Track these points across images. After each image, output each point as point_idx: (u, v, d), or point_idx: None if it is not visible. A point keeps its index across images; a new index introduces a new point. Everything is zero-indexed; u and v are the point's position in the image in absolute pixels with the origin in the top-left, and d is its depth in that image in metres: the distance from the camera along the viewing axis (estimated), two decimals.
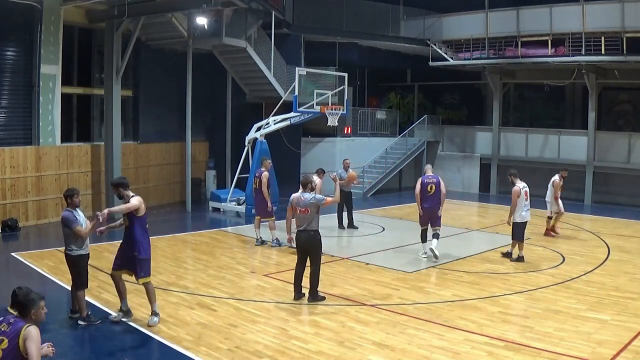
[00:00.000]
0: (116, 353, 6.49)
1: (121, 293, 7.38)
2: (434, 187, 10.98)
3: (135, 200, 7.10)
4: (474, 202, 20.57)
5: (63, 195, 7.51)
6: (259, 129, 15.81)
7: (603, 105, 21.45)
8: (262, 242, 12.17)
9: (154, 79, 17.48)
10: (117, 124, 15.42)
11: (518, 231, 10.88)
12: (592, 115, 19.73)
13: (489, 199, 21.42)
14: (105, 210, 6.81)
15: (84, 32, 15.75)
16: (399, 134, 23.18)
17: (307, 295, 8.38)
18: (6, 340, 4.28)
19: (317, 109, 15.56)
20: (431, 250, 10.97)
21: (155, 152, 17.93)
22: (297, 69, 15.54)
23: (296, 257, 8.56)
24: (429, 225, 11.14)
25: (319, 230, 8.37)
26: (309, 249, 8.33)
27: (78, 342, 6.86)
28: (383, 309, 8.03)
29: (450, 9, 22.01)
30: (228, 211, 16.54)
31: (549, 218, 13.55)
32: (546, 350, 6.49)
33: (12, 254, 11.06)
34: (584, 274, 10.03)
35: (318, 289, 8.38)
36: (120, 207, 7.14)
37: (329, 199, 8.51)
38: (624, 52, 17.53)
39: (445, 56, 21.49)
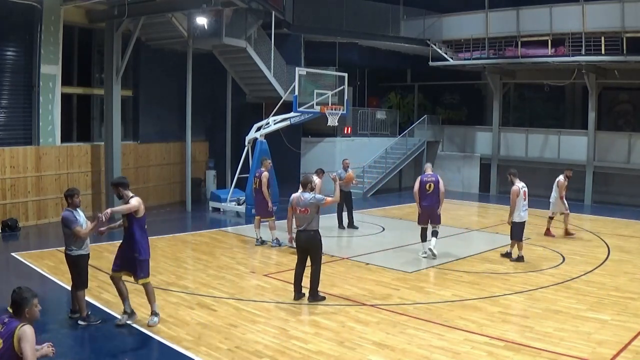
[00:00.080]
0: (116, 353, 6.48)
1: (123, 295, 7.34)
2: (432, 185, 11.01)
3: (135, 201, 7.09)
4: (474, 202, 20.57)
5: (63, 195, 7.51)
6: (259, 129, 15.81)
7: (603, 105, 21.45)
8: (262, 242, 12.17)
9: (154, 79, 17.48)
10: (117, 124, 15.42)
11: (517, 231, 10.89)
12: (592, 115, 19.73)
13: (489, 199, 21.42)
14: (108, 210, 6.81)
15: (84, 32, 15.75)
16: (399, 134, 23.19)
17: (307, 295, 8.38)
18: (1, 341, 4.28)
19: (317, 109, 15.56)
20: (430, 249, 11.05)
21: (155, 152, 17.93)
22: (297, 69, 15.55)
23: (296, 257, 8.56)
24: (429, 223, 11.15)
25: (319, 230, 8.37)
26: (309, 248, 8.33)
27: (78, 342, 6.86)
28: (383, 309, 8.03)
29: (450, 9, 22.00)
30: (228, 211, 16.54)
31: (550, 218, 13.54)
32: (546, 350, 6.49)
33: (12, 254, 11.06)
34: (584, 274, 10.03)
35: (318, 289, 8.38)
36: (121, 208, 7.13)
37: (329, 198, 8.51)
38: (624, 52, 17.53)
39: (445, 56, 21.49)
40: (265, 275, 9.86)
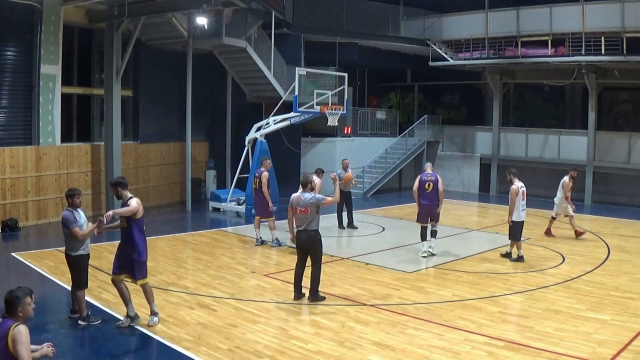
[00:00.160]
0: (116, 353, 6.48)
1: (125, 298, 7.29)
2: (431, 184, 11.05)
3: (135, 203, 7.05)
4: (474, 202, 20.58)
5: (64, 194, 7.50)
6: (259, 129, 15.81)
7: (603, 105, 21.46)
8: (262, 242, 12.17)
9: (154, 79, 17.48)
10: (117, 124, 15.42)
11: (515, 231, 10.90)
12: (592, 115, 19.73)
13: (489, 199, 21.42)
14: (110, 212, 6.80)
15: (84, 32, 15.75)
16: (399, 134, 23.18)
17: (307, 295, 8.38)
18: None
19: (317, 109, 15.56)
20: (429, 249, 11.17)
21: (155, 152, 17.93)
22: (297, 69, 15.54)
23: (296, 257, 8.56)
24: (429, 221, 11.21)
25: (319, 230, 8.37)
26: (308, 248, 8.34)
27: (78, 342, 6.86)
28: (383, 309, 8.03)
29: (450, 9, 22.00)
30: (228, 211, 16.54)
31: (553, 218, 13.49)
32: (546, 350, 6.49)
33: (12, 254, 11.06)
34: (584, 274, 10.03)
35: (318, 289, 8.37)
36: (122, 210, 7.06)
37: (329, 198, 8.51)
38: (624, 52, 17.53)
39: (445, 56, 21.49)
40: (265, 275, 9.86)
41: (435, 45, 21.58)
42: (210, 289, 8.94)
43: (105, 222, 6.79)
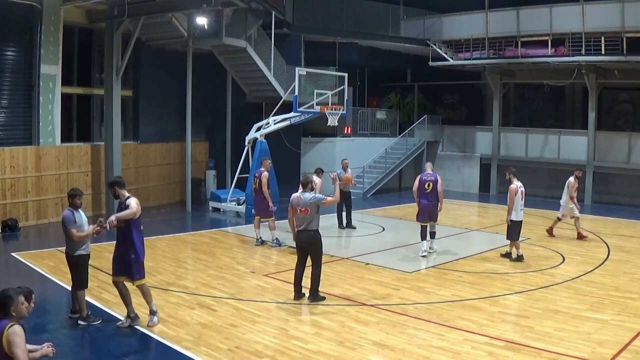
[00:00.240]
0: (116, 353, 6.48)
1: (126, 299, 7.26)
2: (431, 184, 11.12)
3: (135, 204, 7.00)
4: (474, 202, 20.58)
5: (67, 193, 7.49)
6: (259, 129, 15.81)
7: (603, 105, 21.45)
8: (262, 242, 12.17)
9: (154, 79, 17.48)
10: (117, 124, 15.41)
11: (514, 230, 10.93)
12: (592, 115, 19.72)
13: (489, 199, 21.42)
14: (113, 218, 6.79)
15: (84, 32, 15.75)
16: (399, 134, 23.19)
17: (307, 295, 8.38)
18: None
19: (317, 109, 15.57)
20: (429, 248, 11.25)
21: (155, 152, 17.93)
22: (297, 69, 15.55)
23: (296, 257, 8.56)
24: (428, 221, 11.27)
25: (319, 230, 8.37)
26: (309, 248, 8.34)
27: (78, 342, 6.86)
28: (383, 309, 8.03)
29: (450, 9, 21.99)
30: (228, 211, 16.54)
31: (558, 219, 13.40)
32: (546, 350, 6.49)
33: (12, 254, 11.06)
34: (584, 274, 10.03)
35: (318, 289, 8.37)
36: (124, 213, 6.96)
37: (329, 198, 8.51)
38: (624, 52, 17.52)
39: (445, 56, 21.48)
40: (265, 275, 9.86)
41: (435, 45, 21.58)
42: (210, 289, 8.94)
43: (108, 228, 6.81)
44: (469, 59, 21.10)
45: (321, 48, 21.05)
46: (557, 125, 21.77)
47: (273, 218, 12.13)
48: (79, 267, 7.28)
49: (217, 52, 17.82)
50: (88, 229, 7.21)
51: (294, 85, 15.20)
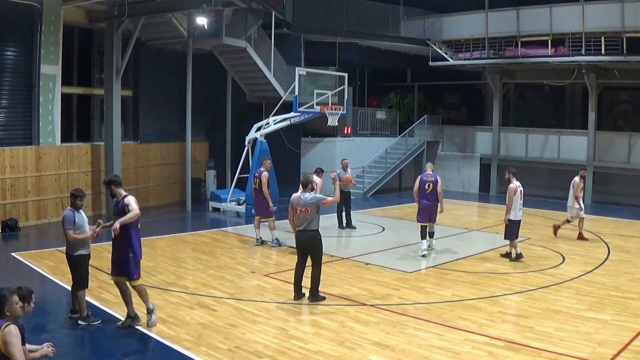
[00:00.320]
0: (116, 353, 6.48)
1: (127, 299, 7.25)
2: (431, 185, 11.19)
3: (135, 204, 6.97)
4: (474, 202, 20.58)
5: (70, 192, 7.49)
6: (259, 129, 15.81)
7: (603, 105, 21.44)
8: (262, 242, 12.17)
9: (154, 79, 17.48)
10: (117, 124, 15.42)
11: (512, 230, 10.95)
12: (592, 115, 19.72)
13: (489, 199, 21.42)
14: (117, 225, 6.78)
15: (84, 32, 15.75)
16: (399, 134, 23.19)
17: (307, 295, 8.38)
18: None
19: (317, 109, 15.56)
20: (428, 247, 11.32)
21: (155, 152, 17.93)
22: (297, 69, 15.55)
23: (296, 257, 8.56)
24: (428, 221, 11.33)
25: (319, 230, 8.37)
26: (309, 248, 8.34)
27: (78, 342, 6.86)
28: (383, 309, 8.03)
29: (450, 9, 21.99)
30: (228, 211, 16.54)
31: (567, 221, 13.28)
32: (546, 350, 6.49)
33: (12, 254, 11.06)
34: (584, 274, 10.03)
35: (318, 289, 8.37)
36: (127, 217, 6.91)
37: (329, 198, 8.51)
38: (624, 52, 17.52)
39: (445, 56, 21.48)
40: (265, 275, 9.86)
41: (435, 45, 21.57)
42: (210, 289, 8.94)
43: (113, 235, 6.84)
44: (469, 59, 21.09)
45: (321, 48, 21.05)
46: (557, 125, 21.76)
47: (273, 218, 12.13)
48: (79, 267, 7.28)
49: (217, 52, 17.82)
50: (88, 232, 7.21)
51: (294, 85, 15.20)
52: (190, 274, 10.02)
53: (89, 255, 7.45)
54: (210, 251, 11.70)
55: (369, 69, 24.27)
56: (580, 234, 13.12)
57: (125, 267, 7.11)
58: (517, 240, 11.08)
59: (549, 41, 19.16)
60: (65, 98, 14.93)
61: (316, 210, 8.26)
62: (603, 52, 17.97)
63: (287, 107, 16.03)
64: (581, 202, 13.09)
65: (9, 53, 13.81)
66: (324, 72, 17.23)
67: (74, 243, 7.17)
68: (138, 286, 7.20)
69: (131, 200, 7.00)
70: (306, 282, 8.40)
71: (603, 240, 13.10)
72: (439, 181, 11.31)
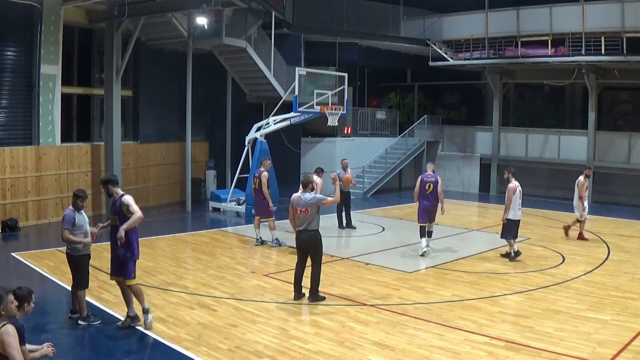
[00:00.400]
0: (116, 353, 6.48)
1: (128, 298, 7.25)
2: (432, 185, 11.21)
3: (135, 206, 6.95)
4: (474, 202, 20.58)
5: (72, 192, 7.49)
6: (259, 129, 15.81)
7: (603, 105, 21.45)
8: (262, 242, 12.17)
9: (154, 79, 17.48)
10: (117, 124, 15.42)
11: (510, 228, 10.95)
12: (592, 115, 19.72)
13: (489, 199, 21.42)
14: (122, 233, 6.78)
15: (84, 32, 15.75)
16: (399, 134, 23.19)
17: (307, 295, 8.38)
18: None
19: (317, 109, 15.56)
20: (427, 247, 11.33)
21: (155, 152, 17.93)
22: (297, 69, 15.55)
23: (296, 257, 8.56)
24: (428, 221, 11.34)
25: (319, 230, 8.37)
26: (308, 248, 8.34)
27: (78, 342, 6.86)
28: (383, 309, 8.03)
29: (450, 9, 21.99)
30: (228, 211, 16.54)
31: (578, 221, 13.17)
32: (546, 350, 6.49)
33: (12, 254, 11.06)
34: (584, 274, 10.04)
35: (318, 289, 8.37)
36: (131, 222, 6.90)
37: (330, 198, 8.51)
38: (624, 52, 17.52)
39: (445, 56, 21.48)
40: (265, 275, 9.86)
41: (435, 45, 21.57)
42: (210, 289, 8.94)
43: (119, 244, 6.85)
44: (469, 59, 21.09)
45: (321, 48, 21.05)
46: (557, 125, 21.76)
47: (273, 218, 12.13)
48: (79, 267, 7.29)
49: (217, 52, 17.82)
50: (88, 231, 7.22)
51: (294, 85, 15.20)
52: (190, 274, 10.02)
53: (90, 255, 7.46)
54: (210, 251, 11.70)
55: (369, 69, 24.27)
56: (580, 234, 13.12)
57: (123, 266, 7.10)
58: (515, 239, 11.09)
59: (549, 41, 19.17)
60: (65, 98, 14.93)
61: (316, 210, 8.26)
62: (603, 52, 17.97)
63: (287, 107, 16.03)
64: (585, 202, 13.03)
65: (9, 53, 13.81)
66: (324, 72, 17.24)
67: (69, 243, 7.17)
68: (134, 286, 7.18)
69: (130, 201, 6.98)
70: (306, 282, 8.40)
71: (603, 240, 13.10)
72: (440, 182, 11.33)
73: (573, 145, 20.33)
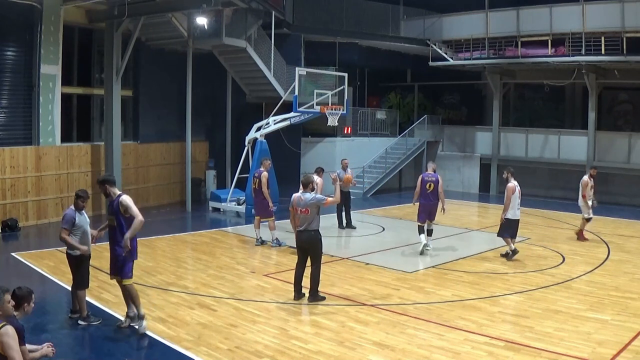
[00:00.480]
0: (116, 353, 6.48)
1: (128, 298, 7.26)
2: (432, 185, 11.25)
3: (134, 207, 6.92)
4: (474, 202, 20.58)
5: (75, 192, 7.49)
6: (259, 129, 15.81)
7: (603, 105, 21.45)
8: (262, 242, 12.17)
9: (154, 79, 17.48)
10: (117, 124, 15.42)
11: (509, 228, 10.97)
12: (592, 115, 19.72)
13: (489, 199, 21.42)
14: (127, 240, 6.79)
15: (84, 32, 15.75)
16: (399, 134, 23.18)
17: (307, 295, 8.38)
18: None
19: (317, 109, 15.57)
20: (426, 245, 11.36)
21: (155, 152, 17.92)
22: (297, 69, 15.55)
23: (296, 257, 8.56)
24: (427, 221, 11.38)
25: (319, 230, 8.37)
26: (308, 248, 8.34)
27: (78, 342, 6.87)
28: (383, 309, 8.03)
29: (450, 9, 21.99)
30: (228, 211, 16.54)
31: (586, 221, 13.14)
32: (546, 350, 6.49)
33: (12, 254, 11.06)
34: (584, 274, 10.03)
35: (318, 289, 8.37)
36: (133, 229, 6.87)
37: (330, 199, 8.51)
38: (624, 52, 17.52)
39: (445, 56, 21.48)
40: (265, 275, 9.86)
41: (435, 45, 21.57)
42: (210, 289, 8.94)
43: (124, 253, 6.86)
44: (469, 59, 21.09)
45: (321, 48, 21.05)
46: (557, 125, 21.76)
47: (273, 218, 12.13)
48: (79, 267, 7.29)
49: (217, 52, 17.82)
50: (87, 236, 7.23)
51: (294, 85, 15.20)
52: (190, 274, 10.02)
53: (90, 255, 7.45)
54: (210, 251, 11.70)
55: (369, 69, 24.27)
56: (581, 233, 13.10)
57: (121, 266, 7.09)
58: (514, 239, 11.09)
59: (549, 41, 19.16)
60: (65, 98, 14.93)
61: (316, 210, 8.26)
62: (603, 52, 17.97)
63: (287, 107, 16.03)
64: (588, 202, 12.97)
65: (9, 53, 13.81)
66: (324, 72, 17.24)
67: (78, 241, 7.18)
68: (130, 286, 7.15)
69: (129, 203, 6.92)
70: (306, 282, 8.40)
71: (603, 240, 13.10)
72: (440, 181, 11.35)
73: (573, 145, 20.33)
